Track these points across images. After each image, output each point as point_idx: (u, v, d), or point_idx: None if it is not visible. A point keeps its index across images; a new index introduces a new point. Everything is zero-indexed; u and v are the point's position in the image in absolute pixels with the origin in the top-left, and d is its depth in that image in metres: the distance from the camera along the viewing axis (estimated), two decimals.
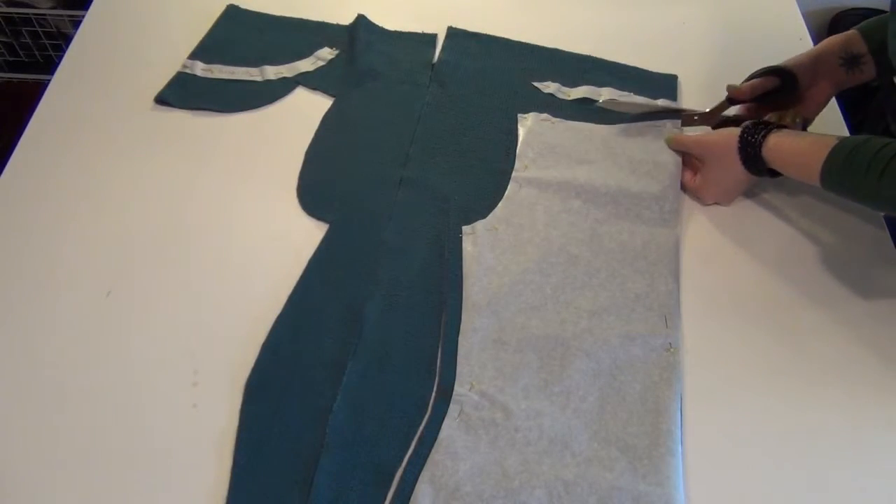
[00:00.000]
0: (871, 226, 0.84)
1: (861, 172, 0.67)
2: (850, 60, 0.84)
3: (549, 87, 0.96)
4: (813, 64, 0.85)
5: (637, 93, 0.97)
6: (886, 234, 0.84)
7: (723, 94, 0.88)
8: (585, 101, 0.95)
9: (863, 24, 0.84)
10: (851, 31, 0.85)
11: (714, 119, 0.89)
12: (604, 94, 0.95)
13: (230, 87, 0.93)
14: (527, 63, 0.99)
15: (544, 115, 0.92)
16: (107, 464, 0.62)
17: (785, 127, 0.78)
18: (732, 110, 0.90)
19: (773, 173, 0.78)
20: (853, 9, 1.93)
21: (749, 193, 0.86)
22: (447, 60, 0.99)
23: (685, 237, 0.82)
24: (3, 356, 0.68)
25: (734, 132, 0.79)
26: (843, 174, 0.69)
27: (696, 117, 0.90)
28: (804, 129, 0.87)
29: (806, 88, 0.86)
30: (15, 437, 0.64)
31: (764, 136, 0.76)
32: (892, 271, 0.80)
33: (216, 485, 0.61)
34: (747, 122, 0.79)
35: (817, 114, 0.89)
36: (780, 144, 0.75)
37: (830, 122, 0.94)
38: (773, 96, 0.86)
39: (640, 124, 0.91)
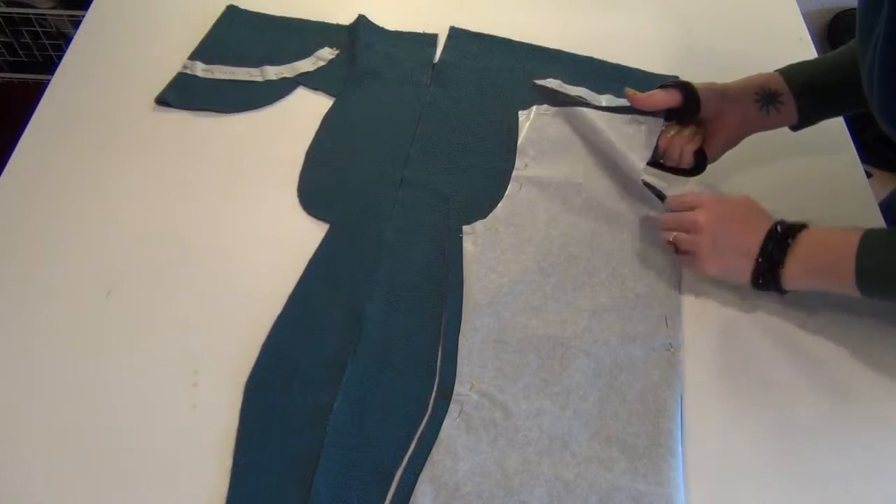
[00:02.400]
0: (872, 224, 0.84)
1: None
2: (767, 98, 0.79)
3: (551, 83, 0.96)
4: (722, 91, 0.80)
5: None
6: (881, 221, 0.84)
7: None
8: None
9: (784, 67, 0.81)
10: (772, 72, 0.81)
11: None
12: (603, 101, 0.95)
13: (231, 88, 0.93)
14: (528, 64, 0.99)
15: (545, 107, 0.92)
16: (107, 464, 0.62)
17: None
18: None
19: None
20: (853, 9, 1.93)
21: (745, 181, 0.85)
22: (448, 61, 0.99)
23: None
24: (3, 356, 0.68)
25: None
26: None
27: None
28: (702, 159, 0.81)
29: (712, 116, 0.80)
30: (15, 437, 0.64)
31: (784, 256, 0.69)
32: None
33: (216, 485, 0.61)
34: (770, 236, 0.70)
35: (722, 150, 0.82)
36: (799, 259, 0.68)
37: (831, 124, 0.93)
38: (676, 114, 0.82)
39: (639, 116, 0.87)
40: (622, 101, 0.95)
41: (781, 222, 0.70)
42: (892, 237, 0.66)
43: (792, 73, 0.80)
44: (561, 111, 0.92)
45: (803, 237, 0.69)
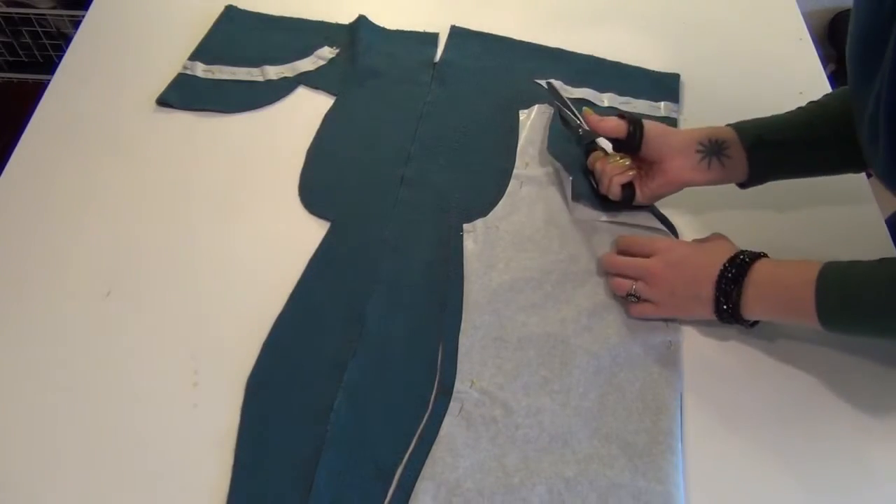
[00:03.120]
0: (871, 226, 0.84)
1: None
2: (713, 149, 0.76)
3: (553, 83, 0.96)
4: (667, 136, 0.78)
5: (638, 94, 0.97)
6: (887, 236, 0.84)
7: (723, 97, 0.88)
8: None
9: (736, 122, 0.78)
10: (724, 126, 0.78)
11: (591, 137, 0.83)
12: (605, 101, 0.96)
13: (231, 88, 0.93)
14: (529, 62, 0.99)
15: (545, 107, 0.93)
16: (107, 464, 0.62)
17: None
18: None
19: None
20: None
21: (749, 194, 0.85)
22: (449, 59, 0.99)
23: (685, 235, 0.82)
24: (3, 356, 0.68)
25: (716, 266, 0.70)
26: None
27: (581, 131, 0.83)
28: (630, 193, 0.79)
29: (653, 160, 0.78)
30: (15, 437, 0.64)
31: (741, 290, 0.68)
32: None
33: (217, 484, 0.61)
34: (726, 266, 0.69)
35: (654, 194, 0.79)
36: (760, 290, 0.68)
37: None
38: (620, 148, 0.80)
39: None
40: (625, 100, 0.96)
41: (733, 259, 0.69)
42: (850, 271, 0.65)
43: (744, 127, 0.77)
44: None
45: (755, 274, 0.68)
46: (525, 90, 0.96)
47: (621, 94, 0.97)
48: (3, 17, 1.69)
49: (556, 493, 0.62)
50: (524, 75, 0.98)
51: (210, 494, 0.61)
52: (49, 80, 0.91)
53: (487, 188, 0.84)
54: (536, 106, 0.93)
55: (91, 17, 1.01)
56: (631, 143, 0.77)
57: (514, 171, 0.86)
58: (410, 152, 0.87)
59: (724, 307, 0.69)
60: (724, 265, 0.69)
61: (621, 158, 0.80)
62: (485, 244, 0.78)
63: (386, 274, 0.76)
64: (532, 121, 0.91)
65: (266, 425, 0.65)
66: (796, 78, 1.01)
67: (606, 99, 0.96)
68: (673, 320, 0.74)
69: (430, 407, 0.67)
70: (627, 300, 0.74)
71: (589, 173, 0.84)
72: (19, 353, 0.68)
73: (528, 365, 0.69)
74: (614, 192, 0.79)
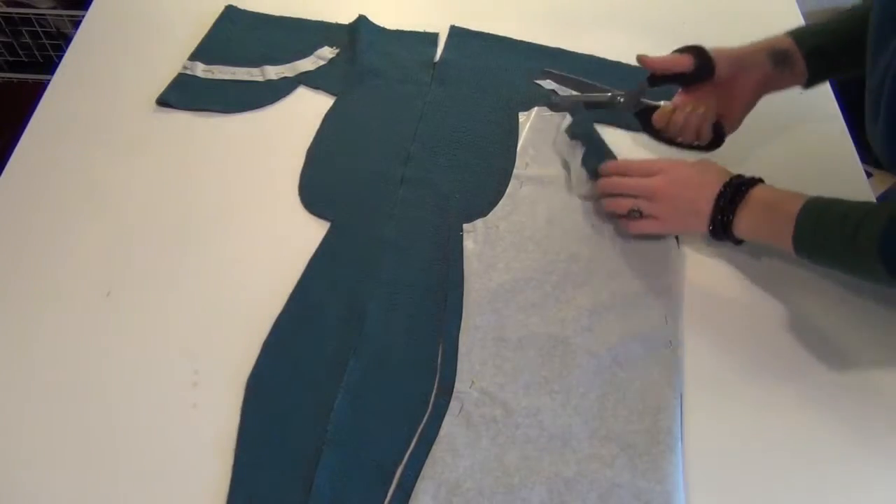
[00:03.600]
0: None
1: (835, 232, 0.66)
2: (779, 57, 0.80)
3: (551, 84, 0.96)
4: (736, 54, 0.81)
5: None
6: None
7: None
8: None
9: (794, 29, 0.81)
10: (781, 34, 0.81)
11: (635, 101, 0.86)
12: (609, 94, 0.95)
13: (232, 88, 0.93)
14: (529, 62, 0.99)
15: (545, 108, 0.93)
16: (107, 464, 0.62)
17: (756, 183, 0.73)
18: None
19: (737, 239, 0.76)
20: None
21: None
22: (449, 59, 0.99)
23: (685, 235, 0.82)
24: (3, 356, 0.68)
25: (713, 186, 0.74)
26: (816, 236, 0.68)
27: (619, 98, 0.87)
28: (721, 132, 0.83)
29: (727, 80, 0.81)
30: (15, 437, 0.64)
31: (735, 209, 0.73)
32: None
33: (217, 484, 0.61)
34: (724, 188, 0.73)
35: (741, 115, 0.83)
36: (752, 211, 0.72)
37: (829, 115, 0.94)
38: (690, 81, 0.81)
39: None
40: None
41: (732, 181, 0.74)
42: (829, 209, 0.68)
43: (801, 35, 0.80)
44: (562, 116, 0.91)
45: (751, 198, 0.72)
46: (525, 90, 0.96)
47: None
48: (3, 17, 1.69)
49: (557, 493, 0.62)
50: (524, 75, 0.98)
51: (210, 494, 0.61)
52: (49, 80, 0.91)
53: (487, 188, 0.84)
54: (536, 108, 0.93)
55: (91, 17, 1.01)
56: (703, 72, 0.79)
57: (515, 171, 0.86)
58: (410, 152, 0.87)
59: (720, 221, 0.73)
60: (723, 186, 0.73)
61: (692, 106, 0.81)
62: (485, 244, 0.78)
63: (386, 274, 0.76)
64: (532, 122, 0.91)
65: (266, 425, 0.65)
66: None
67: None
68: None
69: (431, 407, 0.67)
70: (630, 216, 0.78)
71: (655, 133, 0.86)
72: (19, 353, 0.69)
73: (529, 365, 0.69)
74: (706, 136, 0.82)
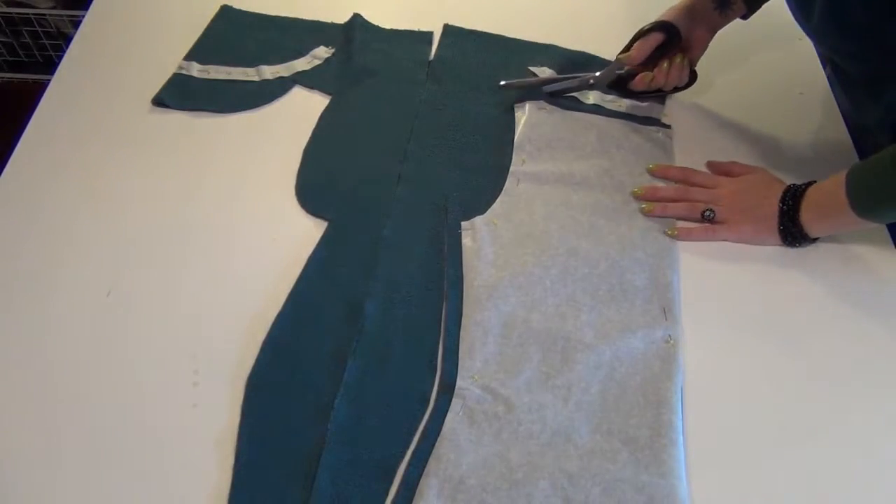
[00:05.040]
0: (871, 226, 0.84)
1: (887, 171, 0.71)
2: (722, 2, 0.91)
3: (545, 72, 0.96)
4: (689, 13, 0.91)
5: (626, 93, 0.97)
6: (886, 235, 0.84)
7: (721, 98, 0.90)
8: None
9: None
10: None
11: (607, 80, 0.95)
12: (591, 98, 0.96)
13: (227, 88, 0.93)
14: (522, 58, 1.00)
15: (541, 103, 0.93)
16: (107, 464, 0.62)
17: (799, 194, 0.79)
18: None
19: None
20: None
21: None
22: (443, 57, 0.99)
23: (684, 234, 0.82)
24: (3, 356, 0.68)
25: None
26: (871, 184, 0.72)
27: (591, 81, 0.94)
28: (692, 70, 0.94)
29: (686, 35, 0.91)
30: (15, 437, 0.64)
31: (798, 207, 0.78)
32: (892, 270, 0.81)
33: (218, 484, 0.61)
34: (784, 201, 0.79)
35: (700, 56, 0.95)
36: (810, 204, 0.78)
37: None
38: (661, 50, 0.91)
39: (633, 124, 0.92)
40: (612, 97, 0.96)
41: (791, 185, 0.80)
42: (871, 166, 0.74)
43: None
44: (558, 111, 0.92)
45: (810, 191, 0.78)
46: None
47: (606, 93, 0.97)
48: (3, 17, 1.69)
49: (560, 488, 0.62)
50: (518, 72, 0.98)
51: (211, 494, 0.61)
52: (49, 80, 0.91)
53: (485, 185, 0.84)
54: (528, 103, 0.93)
55: (91, 17, 1.01)
56: (674, 39, 0.91)
57: (511, 167, 0.86)
58: (407, 150, 0.87)
59: (788, 217, 0.79)
60: (784, 189, 0.80)
61: (671, 58, 0.92)
62: (483, 241, 0.78)
63: (384, 272, 0.76)
64: (528, 117, 0.91)
65: (267, 424, 0.65)
66: (795, 78, 1.01)
67: (592, 96, 0.96)
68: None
69: (433, 404, 0.67)
70: (703, 219, 0.82)
71: (634, 94, 0.96)
72: (19, 353, 0.68)
73: (530, 361, 0.70)
74: (685, 78, 0.94)
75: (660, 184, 0.87)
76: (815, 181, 0.79)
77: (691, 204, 0.83)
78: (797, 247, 0.80)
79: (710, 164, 0.89)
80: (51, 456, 0.63)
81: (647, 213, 0.83)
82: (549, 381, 0.68)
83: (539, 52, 1.01)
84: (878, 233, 0.83)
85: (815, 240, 0.80)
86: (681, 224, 0.83)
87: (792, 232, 0.79)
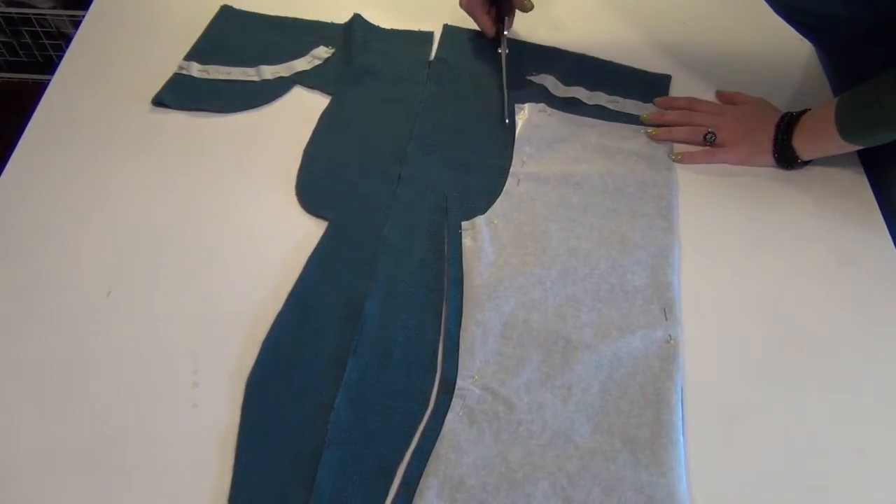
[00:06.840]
0: (871, 225, 0.84)
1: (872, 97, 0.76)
2: None
3: (546, 80, 0.96)
4: None
5: (628, 94, 0.97)
6: (886, 234, 0.84)
7: (715, 96, 0.92)
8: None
9: None
10: None
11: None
12: (593, 100, 0.96)
13: (227, 88, 0.93)
14: (522, 60, 0.99)
15: (541, 105, 0.93)
16: (107, 464, 0.62)
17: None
18: None
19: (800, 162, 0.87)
20: None
21: (751, 188, 0.86)
22: (444, 58, 0.99)
23: (684, 230, 0.82)
24: (3, 356, 0.68)
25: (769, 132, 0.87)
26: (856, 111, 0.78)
27: (500, 51, 0.98)
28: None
29: None
30: (14, 437, 0.64)
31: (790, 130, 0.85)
32: (892, 270, 0.81)
33: (218, 484, 0.61)
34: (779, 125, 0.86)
35: None
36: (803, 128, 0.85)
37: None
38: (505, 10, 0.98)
39: (633, 125, 0.92)
40: (613, 99, 0.96)
41: (786, 113, 0.87)
42: (858, 96, 0.79)
43: None
44: (558, 113, 0.93)
45: (803, 119, 0.85)
46: (519, 87, 0.96)
47: (610, 93, 0.96)
48: (3, 17, 1.69)
49: (560, 488, 0.62)
50: (518, 72, 0.97)
51: (210, 494, 0.61)
52: (49, 80, 0.91)
53: (485, 186, 0.84)
54: (527, 104, 0.93)
55: (91, 17, 1.01)
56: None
57: (511, 168, 0.86)
58: (407, 151, 0.87)
59: (781, 142, 0.86)
60: (780, 117, 0.87)
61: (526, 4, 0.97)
62: (483, 241, 0.78)
63: (384, 272, 0.76)
64: (528, 118, 0.91)
65: (267, 424, 0.65)
66: (795, 78, 1.01)
67: (594, 98, 0.96)
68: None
69: (433, 404, 0.67)
70: (705, 141, 0.89)
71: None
72: (19, 353, 0.68)
73: (530, 361, 0.70)
74: (529, 5, 0.98)
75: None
76: (809, 109, 0.86)
77: (694, 127, 0.90)
78: (789, 169, 0.87)
79: (718, 94, 0.97)
80: (51, 456, 0.63)
81: (653, 138, 0.90)
82: (550, 381, 0.69)
83: (539, 53, 1.01)
84: (879, 233, 0.84)
85: (806, 163, 0.87)
86: (683, 148, 0.89)
87: (785, 155, 0.86)
